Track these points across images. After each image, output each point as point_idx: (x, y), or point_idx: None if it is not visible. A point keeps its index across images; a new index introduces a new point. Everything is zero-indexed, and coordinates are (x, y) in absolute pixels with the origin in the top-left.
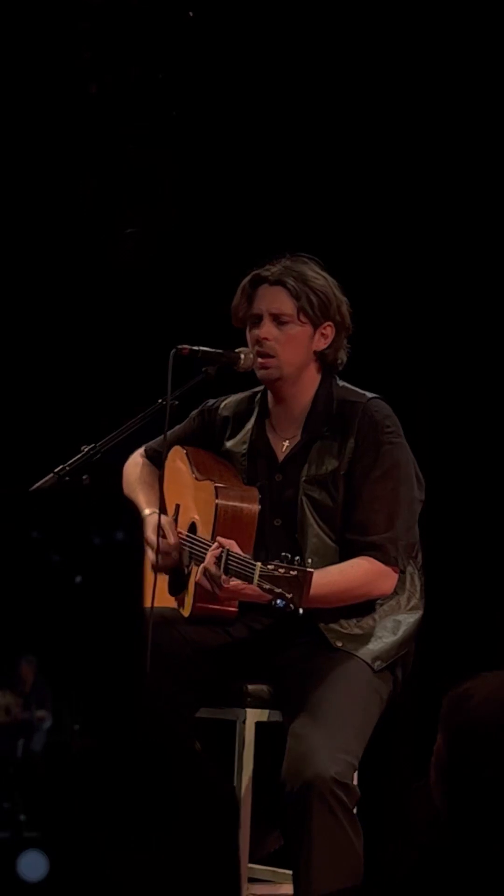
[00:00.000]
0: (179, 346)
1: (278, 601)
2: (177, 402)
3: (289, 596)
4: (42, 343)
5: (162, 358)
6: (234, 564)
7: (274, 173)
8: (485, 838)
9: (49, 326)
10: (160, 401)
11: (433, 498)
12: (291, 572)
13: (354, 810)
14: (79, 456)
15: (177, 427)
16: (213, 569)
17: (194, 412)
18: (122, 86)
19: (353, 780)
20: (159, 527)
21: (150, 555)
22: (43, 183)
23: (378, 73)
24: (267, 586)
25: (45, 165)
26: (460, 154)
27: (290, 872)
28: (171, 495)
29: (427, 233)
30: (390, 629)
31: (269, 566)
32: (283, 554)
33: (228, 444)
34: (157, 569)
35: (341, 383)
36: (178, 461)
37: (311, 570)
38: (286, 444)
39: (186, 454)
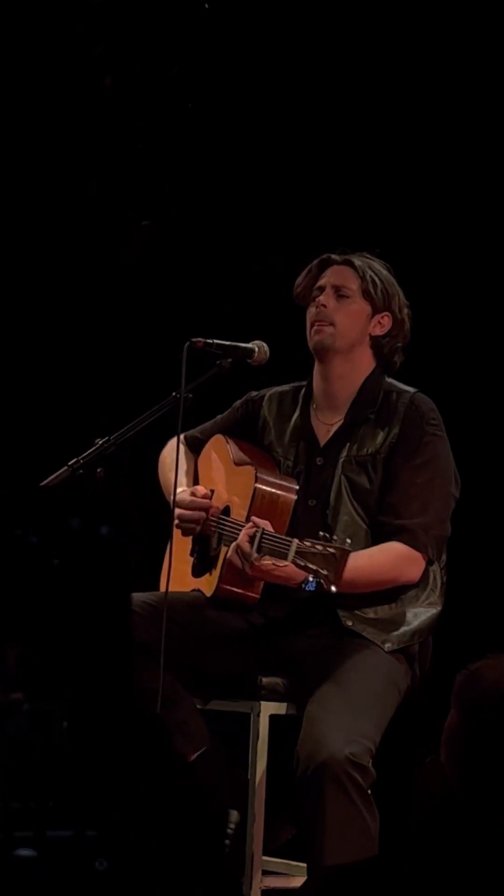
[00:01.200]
0: (193, 339)
1: (310, 582)
2: (191, 395)
3: (324, 573)
4: (57, 336)
5: (176, 351)
6: (269, 542)
7: (291, 165)
8: (498, 811)
9: (63, 320)
10: (174, 394)
11: (466, 498)
12: (329, 549)
13: (370, 792)
14: (93, 449)
15: (219, 417)
16: (245, 547)
17: (237, 402)
18: (133, 81)
19: (369, 763)
20: (174, 503)
21: (185, 526)
22: (53, 172)
23: (382, 73)
24: (302, 563)
25: (60, 151)
26: (462, 153)
27: (304, 865)
28: (204, 482)
29: (437, 228)
30: (405, 618)
31: (307, 542)
32: (322, 533)
33: (271, 436)
34: (190, 536)
35: (389, 379)
36: (213, 450)
37: (350, 549)
38: (329, 428)
39: (226, 442)
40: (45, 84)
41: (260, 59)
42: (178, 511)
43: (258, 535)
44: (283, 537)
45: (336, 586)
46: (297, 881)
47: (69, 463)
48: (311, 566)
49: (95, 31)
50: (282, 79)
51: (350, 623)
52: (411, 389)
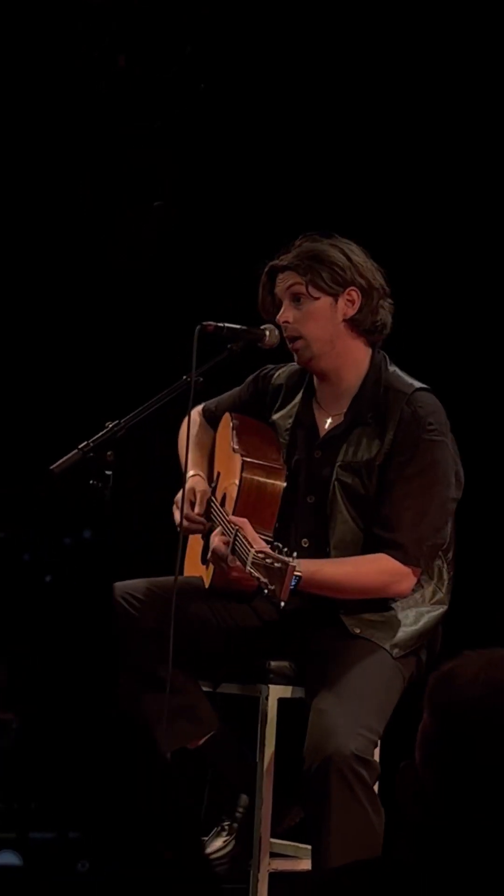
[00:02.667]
0: (204, 323)
1: (265, 591)
2: (201, 379)
3: (272, 587)
4: (68, 320)
5: (187, 334)
6: (240, 546)
7: (306, 144)
8: (473, 816)
9: (74, 304)
10: (185, 377)
11: (468, 494)
12: (276, 564)
13: (376, 786)
14: (103, 432)
15: (234, 390)
16: (220, 549)
17: (250, 377)
18: (150, 58)
19: (373, 756)
20: (184, 494)
21: (177, 517)
22: (59, 155)
23: (384, 69)
24: (255, 574)
25: (65, 134)
26: (463, 145)
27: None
28: (217, 461)
29: (441, 220)
30: (412, 619)
31: (261, 554)
32: (276, 543)
33: (276, 415)
34: (181, 530)
35: (392, 368)
36: (226, 428)
37: (294, 563)
38: (330, 420)
39: (232, 423)
40: (46, 68)
41: (263, 51)
42: (186, 512)
43: (232, 537)
44: (247, 545)
45: (283, 601)
46: (305, 864)
47: (79, 446)
48: (262, 578)
49: (96, 31)
50: (283, 71)
51: (358, 630)
52: (413, 385)
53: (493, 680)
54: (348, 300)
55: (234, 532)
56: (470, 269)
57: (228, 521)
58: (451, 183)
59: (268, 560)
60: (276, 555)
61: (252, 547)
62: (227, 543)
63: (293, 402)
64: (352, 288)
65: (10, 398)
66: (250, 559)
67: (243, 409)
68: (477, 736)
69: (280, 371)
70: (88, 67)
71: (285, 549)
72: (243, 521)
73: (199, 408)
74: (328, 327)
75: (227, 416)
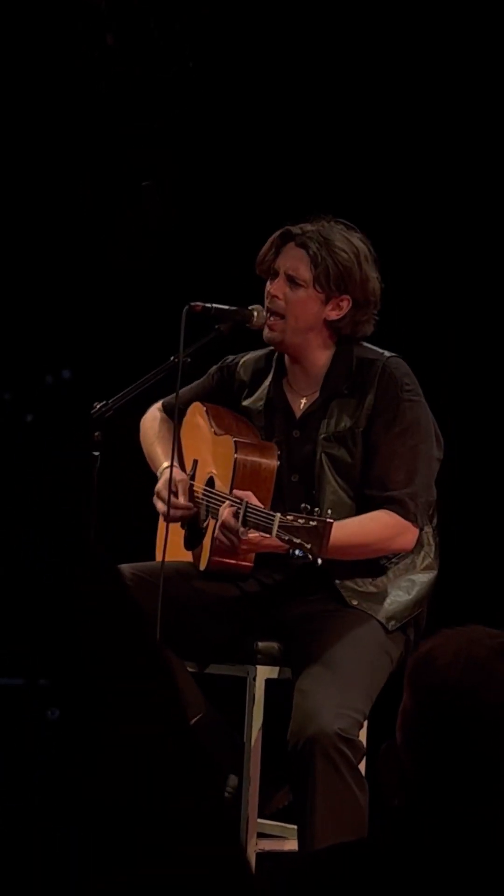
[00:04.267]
0: (192, 303)
1: (297, 552)
2: (189, 360)
3: (308, 546)
4: (54, 301)
5: (174, 315)
6: (253, 516)
7: (296, 126)
8: (454, 798)
9: (61, 284)
10: (172, 358)
11: (450, 458)
12: (311, 522)
13: (362, 766)
14: (91, 413)
15: (195, 383)
16: (231, 521)
17: (213, 368)
18: (138, 37)
19: (358, 735)
20: (171, 481)
21: (160, 507)
22: (51, 141)
23: (383, 66)
24: (286, 537)
25: (61, 119)
26: (471, 126)
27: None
28: (189, 451)
29: (449, 191)
30: (404, 588)
31: (289, 517)
32: (303, 505)
33: (246, 401)
34: (168, 520)
35: (364, 344)
36: (197, 417)
37: (331, 520)
38: (304, 401)
39: (206, 410)
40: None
41: (267, 38)
42: (172, 500)
43: (242, 508)
44: (267, 511)
45: (321, 558)
46: (292, 844)
47: None
48: (295, 540)
49: (96, 29)
50: (281, 66)
51: (355, 602)
52: (385, 354)
53: (472, 659)
54: (337, 305)
55: (243, 504)
56: (470, 261)
57: (229, 498)
58: (450, 176)
59: (299, 521)
60: (307, 515)
61: (275, 513)
62: (234, 514)
63: (263, 387)
64: (346, 296)
65: None
66: (277, 523)
67: (209, 399)
68: (457, 716)
69: (244, 359)
70: (88, 67)
71: (316, 510)
72: (247, 494)
73: (158, 404)
74: (310, 320)
75: (195, 405)
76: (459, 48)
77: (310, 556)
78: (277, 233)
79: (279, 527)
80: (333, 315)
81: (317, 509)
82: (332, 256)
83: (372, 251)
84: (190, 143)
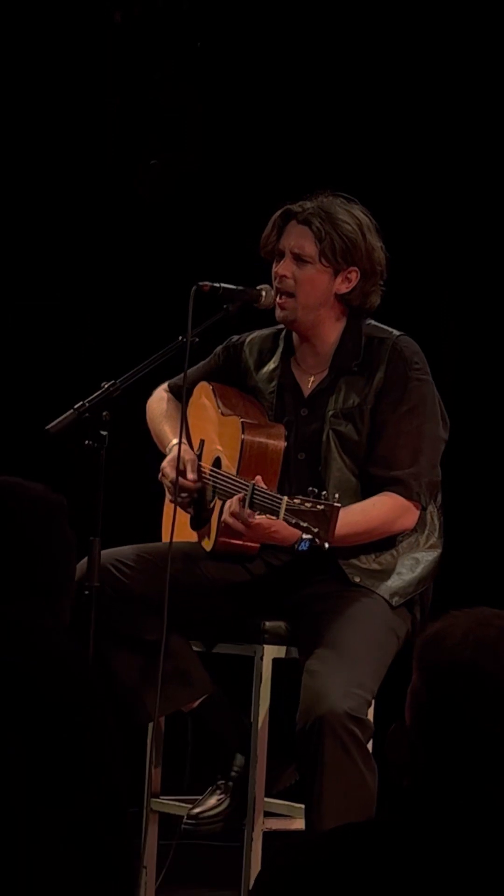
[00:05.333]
0: (200, 283)
1: (303, 541)
2: (197, 339)
3: (315, 530)
4: (64, 281)
5: (183, 295)
6: (260, 499)
7: (301, 107)
8: (462, 778)
9: (70, 264)
10: (181, 338)
11: (455, 437)
12: (318, 507)
13: (370, 745)
14: (99, 392)
15: (201, 363)
16: (237, 506)
17: (219, 348)
18: (146, 15)
19: (367, 714)
20: (179, 459)
21: (167, 485)
22: (64, 116)
23: (392, 31)
24: (293, 521)
25: (68, 98)
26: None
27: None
28: (195, 431)
29: (459, 166)
30: (409, 566)
31: (296, 500)
32: (310, 489)
33: (254, 380)
34: (175, 502)
35: (369, 321)
36: (203, 397)
37: (339, 504)
38: (312, 379)
39: (213, 390)
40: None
41: (275, 18)
42: (180, 481)
43: (249, 491)
44: (274, 494)
45: (329, 542)
46: (299, 823)
47: (75, 406)
48: (302, 523)
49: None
50: (293, 33)
51: (358, 579)
52: (394, 333)
53: (481, 639)
54: (346, 277)
55: (250, 487)
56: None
57: (236, 480)
58: (450, 154)
59: (306, 505)
60: (314, 499)
61: (282, 496)
62: (241, 500)
63: (270, 366)
64: (353, 268)
65: (7, 359)
66: (284, 507)
67: (216, 379)
68: (466, 696)
69: (250, 338)
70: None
71: (324, 493)
72: (256, 478)
73: (164, 385)
74: (320, 296)
75: (202, 384)
76: (455, 26)
77: (317, 541)
78: (278, 213)
79: (286, 510)
80: (343, 288)
81: (324, 493)
82: (335, 230)
83: (373, 221)
84: (197, 122)
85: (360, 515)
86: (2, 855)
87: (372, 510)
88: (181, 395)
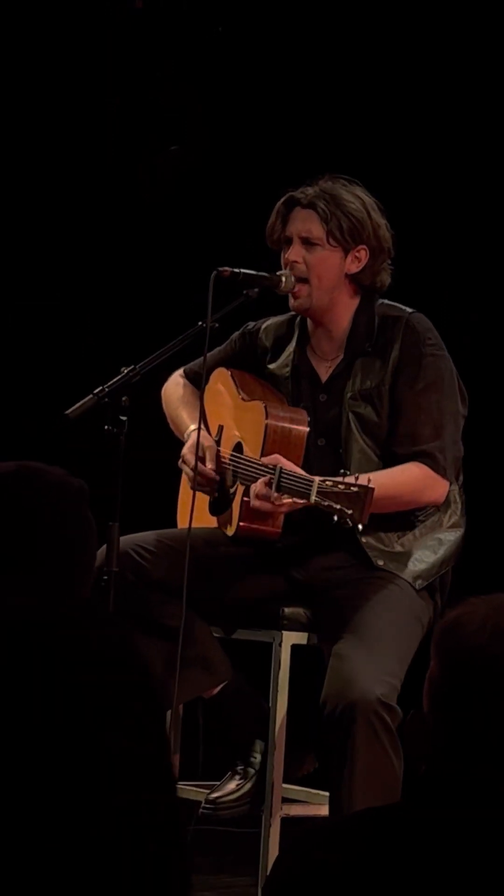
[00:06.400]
0: (220, 269)
1: (335, 518)
2: (217, 325)
3: (349, 512)
4: (84, 266)
5: (203, 280)
6: (288, 481)
7: (316, 92)
8: (480, 764)
9: (90, 249)
10: (200, 323)
11: (474, 414)
12: (353, 489)
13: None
14: (118, 377)
15: (217, 349)
16: (263, 489)
17: (235, 334)
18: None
19: (395, 701)
20: (198, 445)
21: (187, 471)
22: (78, 102)
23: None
24: (326, 503)
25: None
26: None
27: (325, 793)
28: (212, 417)
29: (473, 148)
30: (431, 548)
31: (328, 482)
32: (342, 471)
33: (271, 366)
34: (194, 487)
35: (380, 300)
36: (219, 383)
37: (373, 486)
38: (328, 364)
39: (231, 375)
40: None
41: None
42: (199, 467)
43: (277, 474)
44: (304, 476)
45: (362, 523)
46: (317, 809)
47: (94, 391)
48: (335, 505)
49: None
50: (312, 20)
51: (381, 562)
52: (406, 311)
53: (500, 626)
54: (356, 257)
55: (277, 470)
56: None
57: (261, 464)
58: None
59: (339, 486)
60: (347, 480)
61: (313, 477)
62: (268, 483)
63: (287, 353)
64: (362, 246)
65: (26, 343)
66: (315, 489)
67: (233, 365)
68: (485, 682)
69: (266, 324)
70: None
71: (357, 476)
72: (276, 457)
73: (180, 371)
74: (332, 279)
75: (219, 370)
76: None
77: (350, 522)
78: (281, 201)
79: (318, 492)
80: (354, 268)
81: (358, 475)
82: (340, 209)
83: (376, 200)
84: (215, 107)
85: (388, 479)
86: (34, 850)
87: (400, 476)
88: (197, 381)
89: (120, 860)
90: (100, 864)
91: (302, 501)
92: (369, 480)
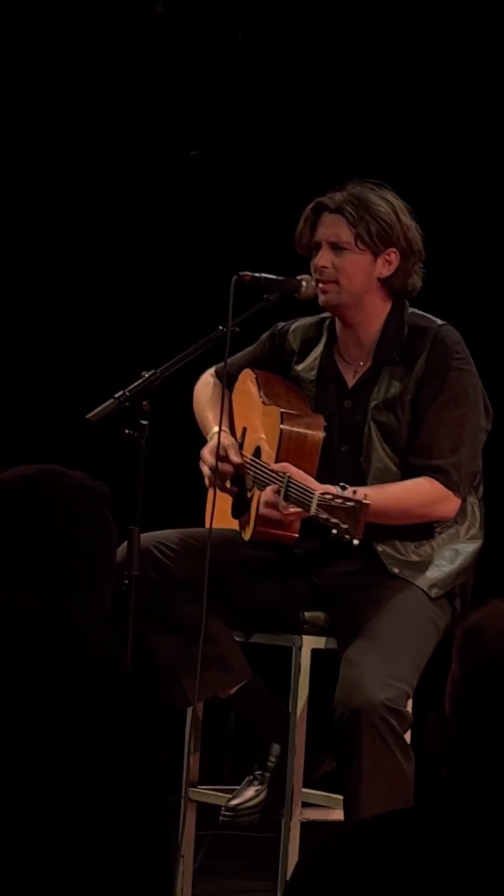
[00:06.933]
0: (241, 273)
1: (333, 531)
2: (237, 329)
3: (344, 527)
4: (105, 271)
5: (223, 284)
6: (294, 492)
7: (340, 97)
8: (502, 768)
9: (111, 254)
10: (221, 328)
11: (498, 428)
12: (348, 503)
13: (408, 736)
14: (139, 382)
15: (246, 350)
16: (271, 497)
17: (264, 335)
18: (189, 5)
19: (406, 706)
20: (219, 446)
21: (206, 471)
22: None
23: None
24: (324, 515)
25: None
26: None
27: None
28: (239, 418)
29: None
30: (448, 558)
31: (328, 495)
32: (341, 484)
33: (297, 368)
34: (214, 486)
35: (411, 309)
36: (248, 383)
37: (368, 502)
38: (356, 370)
39: (256, 378)
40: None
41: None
42: (220, 465)
43: (284, 483)
44: (307, 488)
45: (357, 539)
46: (337, 814)
47: (115, 395)
48: (332, 519)
49: None
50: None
51: (397, 570)
52: (437, 322)
53: None
54: (386, 260)
55: (285, 479)
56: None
57: (272, 471)
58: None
59: (336, 501)
60: (345, 494)
61: (315, 490)
62: (277, 491)
63: (314, 356)
64: (392, 249)
65: (49, 348)
66: (315, 502)
67: (261, 366)
68: None
69: (294, 325)
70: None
71: (355, 491)
72: (288, 467)
73: (211, 370)
74: (363, 282)
75: (246, 371)
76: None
77: (346, 536)
78: (309, 207)
79: (318, 505)
80: (385, 271)
81: (355, 490)
82: (369, 213)
83: (405, 203)
84: (240, 114)
85: (400, 491)
86: (35, 850)
87: (411, 488)
88: (228, 381)
89: (115, 857)
90: (94, 861)
91: (305, 512)
92: (366, 496)
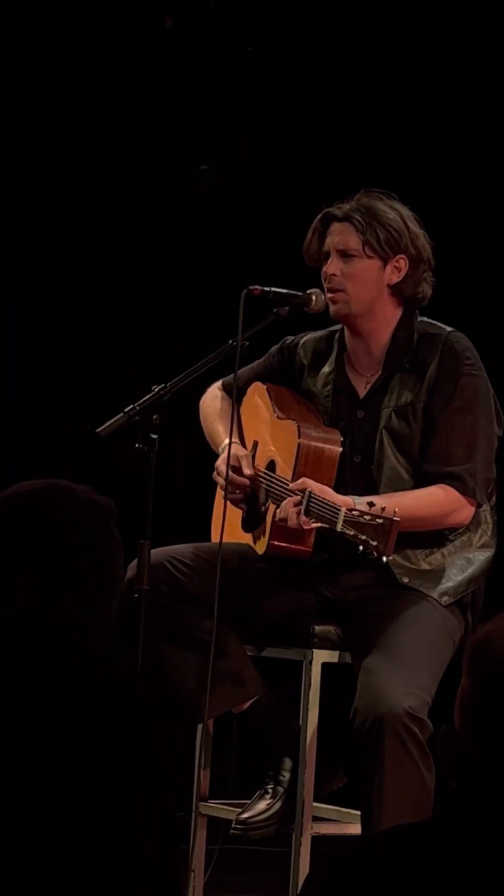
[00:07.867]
0: (251, 287)
1: (360, 548)
2: (247, 343)
3: (373, 544)
4: (114, 284)
5: (224, 284)
6: (317, 507)
7: (351, 110)
8: None
9: (120, 266)
10: (231, 341)
11: None
12: (378, 520)
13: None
14: (149, 396)
15: (255, 363)
16: (290, 512)
17: (273, 349)
18: (198, 19)
19: (426, 715)
20: (229, 458)
21: (220, 483)
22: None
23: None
24: (351, 532)
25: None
26: None
27: (355, 812)
28: (248, 432)
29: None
30: (459, 567)
31: (355, 512)
32: (368, 500)
33: (308, 383)
34: (227, 499)
35: (421, 318)
36: (257, 397)
37: (398, 518)
38: (367, 379)
39: (267, 391)
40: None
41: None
42: (231, 476)
43: (306, 497)
44: (332, 504)
45: (387, 556)
46: (348, 828)
47: (125, 410)
48: (360, 536)
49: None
50: (343, 37)
51: (406, 580)
52: (446, 329)
53: None
54: (395, 267)
55: (306, 494)
56: None
57: (290, 488)
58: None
59: (365, 517)
60: (373, 511)
61: (340, 506)
62: (297, 504)
63: (325, 369)
64: (401, 255)
65: (49, 348)
66: (342, 518)
67: (269, 380)
68: None
69: (304, 339)
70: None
71: (383, 507)
72: (308, 481)
73: (218, 383)
74: (372, 290)
75: (256, 385)
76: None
77: (374, 553)
78: (317, 217)
79: (344, 521)
80: (394, 278)
81: (384, 507)
82: (377, 219)
83: (413, 212)
84: (251, 127)
85: (412, 501)
86: (45, 859)
87: (425, 497)
88: (233, 394)
89: (117, 860)
90: (98, 864)
91: (329, 528)
92: (395, 512)
